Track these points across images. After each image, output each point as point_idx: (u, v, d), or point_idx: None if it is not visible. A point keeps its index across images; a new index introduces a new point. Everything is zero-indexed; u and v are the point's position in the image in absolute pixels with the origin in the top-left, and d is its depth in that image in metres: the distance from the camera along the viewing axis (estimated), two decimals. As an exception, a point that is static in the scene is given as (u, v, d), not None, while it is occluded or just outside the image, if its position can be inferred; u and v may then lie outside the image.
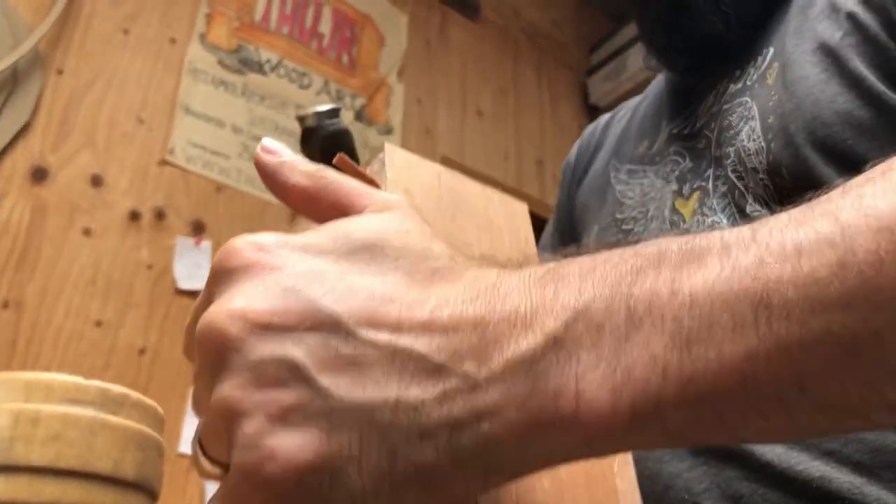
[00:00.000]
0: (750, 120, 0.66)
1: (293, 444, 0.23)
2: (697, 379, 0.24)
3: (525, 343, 0.25)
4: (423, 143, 2.43)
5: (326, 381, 0.24)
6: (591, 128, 0.93)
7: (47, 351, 1.53)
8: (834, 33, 0.62)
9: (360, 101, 2.32)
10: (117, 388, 0.19)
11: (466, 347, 0.25)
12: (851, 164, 0.54)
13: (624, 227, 0.74)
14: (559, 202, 0.89)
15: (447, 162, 2.31)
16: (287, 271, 0.26)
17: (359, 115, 2.32)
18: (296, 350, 0.24)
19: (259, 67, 2.14)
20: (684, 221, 0.65)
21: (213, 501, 0.26)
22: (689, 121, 0.74)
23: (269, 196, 1.97)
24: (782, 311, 0.24)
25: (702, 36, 0.73)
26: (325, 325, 0.25)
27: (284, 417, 0.24)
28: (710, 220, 0.63)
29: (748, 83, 0.69)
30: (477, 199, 0.47)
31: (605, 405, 0.24)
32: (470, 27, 2.68)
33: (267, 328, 0.25)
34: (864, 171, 0.27)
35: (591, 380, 0.24)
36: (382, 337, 0.25)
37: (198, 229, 1.83)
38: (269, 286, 0.26)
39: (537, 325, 0.25)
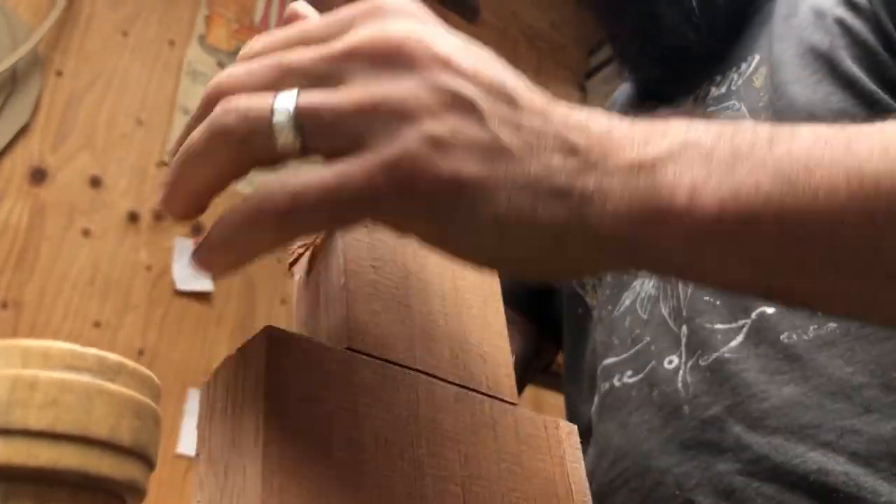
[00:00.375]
0: (740, 119, 0.67)
1: (459, 161, 0.28)
2: (792, 214, 0.29)
3: (647, 151, 0.30)
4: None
5: (495, 127, 0.29)
6: None
7: (46, 351, 1.54)
8: (823, 38, 0.63)
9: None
10: (114, 357, 0.20)
11: (597, 145, 0.30)
12: None
13: None
14: None
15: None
16: (454, 37, 0.31)
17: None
18: (476, 95, 0.29)
19: (258, 69, 2.15)
20: None
21: (293, 179, 0.28)
22: None
23: (267, 198, 1.97)
24: (872, 182, 0.28)
25: (673, 47, 0.73)
26: (500, 91, 0.30)
27: (455, 140, 0.28)
28: None
29: (733, 87, 0.69)
30: None
31: (713, 209, 0.29)
32: (469, 29, 2.68)
33: (448, 64, 0.29)
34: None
35: (703, 187, 0.29)
36: (537, 119, 0.30)
37: (196, 231, 1.83)
38: (444, 34, 0.31)
39: (654, 143, 0.30)
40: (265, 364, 0.33)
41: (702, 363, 0.59)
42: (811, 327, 0.55)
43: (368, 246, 0.41)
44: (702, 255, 0.30)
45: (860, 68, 0.60)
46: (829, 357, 0.54)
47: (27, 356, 0.19)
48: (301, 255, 0.41)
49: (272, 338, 0.34)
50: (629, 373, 0.64)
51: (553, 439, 0.44)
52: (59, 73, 1.76)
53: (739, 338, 0.58)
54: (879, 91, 0.59)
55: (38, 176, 1.66)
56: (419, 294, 0.42)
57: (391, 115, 0.28)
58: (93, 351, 0.19)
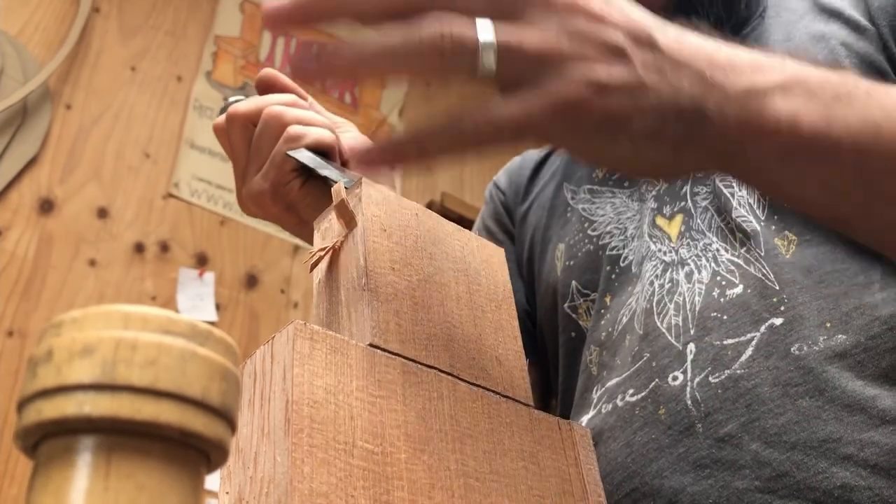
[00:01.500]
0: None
1: (612, 100, 0.36)
2: (869, 152, 0.38)
3: (761, 79, 0.38)
4: (422, 179, 2.46)
5: (640, 71, 0.36)
6: (518, 159, 0.94)
7: (50, 381, 1.54)
8: (828, 58, 0.65)
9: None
10: (203, 325, 0.21)
11: (720, 71, 0.38)
12: None
13: (600, 242, 0.74)
14: (485, 225, 0.87)
15: (447, 198, 2.34)
16: None
17: (360, 152, 2.35)
18: (626, 44, 0.37)
19: (263, 104, 2.18)
20: (671, 241, 0.66)
21: (486, 108, 0.37)
22: None
23: (270, 229, 1.99)
24: None
25: None
26: (642, 37, 0.37)
27: (610, 83, 0.36)
28: (701, 242, 0.63)
29: None
30: (454, 241, 0.47)
31: (807, 134, 0.38)
32: (469, 67, 2.73)
33: (604, 18, 0.37)
34: None
35: (803, 117, 0.38)
36: (673, 57, 0.38)
37: (201, 261, 1.85)
38: None
39: (768, 73, 0.38)
40: (293, 357, 0.34)
41: (713, 380, 0.58)
42: (821, 338, 0.55)
43: (388, 249, 0.42)
44: (789, 170, 0.39)
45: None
46: (841, 368, 0.54)
47: (128, 320, 0.20)
48: (322, 257, 0.42)
49: (299, 332, 0.35)
50: (631, 391, 0.63)
51: (567, 441, 0.45)
52: (69, 107, 1.79)
53: (749, 351, 0.57)
54: None
55: (46, 207, 1.68)
56: (436, 296, 0.43)
57: (565, 60, 0.36)
58: (185, 318, 0.21)
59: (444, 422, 0.38)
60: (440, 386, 0.39)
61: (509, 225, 0.88)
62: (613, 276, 0.71)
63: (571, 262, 0.75)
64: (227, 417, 0.21)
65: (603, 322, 0.71)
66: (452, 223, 0.48)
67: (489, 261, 0.49)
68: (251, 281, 1.93)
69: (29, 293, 1.58)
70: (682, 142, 0.38)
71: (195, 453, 0.21)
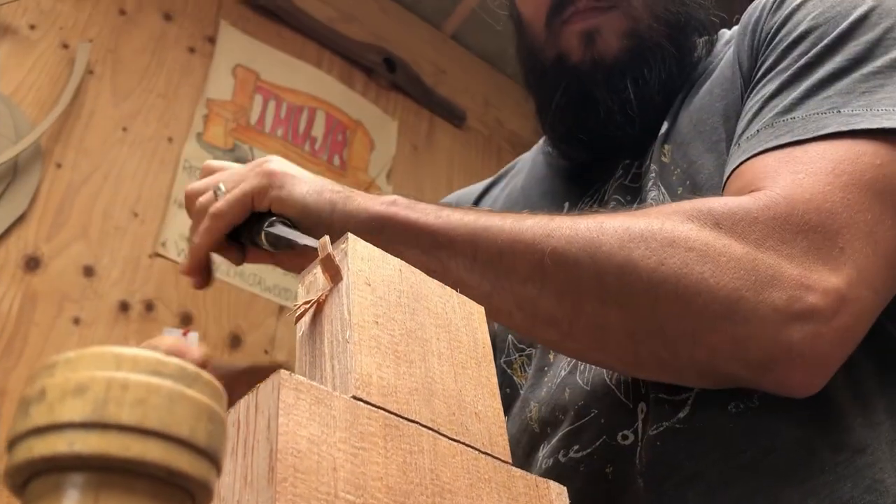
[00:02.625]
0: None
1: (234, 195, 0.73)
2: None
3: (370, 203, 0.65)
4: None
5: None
6: (461, 191, 0.98)
7: (27, 440, 1.52)
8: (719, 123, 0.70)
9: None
10: (192, 367, 0.22)
11: (348, 196, 0.67)
12: None
13: None
14: None
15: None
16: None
17: (347, 215, 2.38)
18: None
19: (252, 166, 2.21)
20: None
21: None
22: (596, 198, 0.78)
23: (256, 289, 1.99)
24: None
25: (603, 133, 0.77)
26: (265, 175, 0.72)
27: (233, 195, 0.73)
28: None
29: (649, 170, 0.73)
30: (436, 298, 0.48)
31: (381, 210, 0.64)
32: (455, 134, 2.78)
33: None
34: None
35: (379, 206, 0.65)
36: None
37: (185, 321, 1.84)
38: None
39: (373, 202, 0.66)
40: (277, 406, 0.35)
41: (652, 432, 0.60)
42: (755, 395, 0.57)
43: (372, 303, 0.43)
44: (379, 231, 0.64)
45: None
46: (779, 421, 0.56)
47: (120, 361, 0.21)
48: (307, 310, 0.43)
49: (284, 382, 0.36)
50: (576, 447, 0.64)
51: (545, 499, 0.45)
52: (59, 165, 1.81)
53: (687, 408, 0.59)
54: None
55: (32, 264, 1.68)
56: (418, 351, 0.44)
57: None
58: (175, 360, 0.22)
59: (425, 475, 0.39)
60: (421, 440, 0.40)
61: None
62: None
63: None
64: (213, 458, 0.22)
65: (545, 378, 0.72)
66: (435, 280, 0.49)
67: (469, 318, 0.50)
68: (235, 341, 1.92)
69: (10, 351, 1.57)
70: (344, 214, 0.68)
71: (181, 493, 0.21)
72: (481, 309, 0.52)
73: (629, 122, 0.74)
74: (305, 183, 0.69)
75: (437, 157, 2.69)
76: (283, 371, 0.36)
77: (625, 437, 0.62)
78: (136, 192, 1.91)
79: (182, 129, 2.08)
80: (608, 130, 0.75)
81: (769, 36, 0.66)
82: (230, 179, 0.72)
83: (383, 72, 2.60)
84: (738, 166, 0.59)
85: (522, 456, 0.70)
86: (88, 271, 1.76)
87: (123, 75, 2.01)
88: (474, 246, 0.58)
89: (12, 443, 0.22)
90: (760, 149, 0.57)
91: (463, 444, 0.42)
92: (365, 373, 0.40)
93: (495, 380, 0.48)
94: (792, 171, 0.54)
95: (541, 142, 0.93)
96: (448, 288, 0.50)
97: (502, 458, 0.44)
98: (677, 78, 0.75)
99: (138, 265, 1.84)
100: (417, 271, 0.48)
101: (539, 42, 0.80)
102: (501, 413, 0.47)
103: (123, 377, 0.21)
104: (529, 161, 0.92)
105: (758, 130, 0.59)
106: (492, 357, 0.49)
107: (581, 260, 0.53)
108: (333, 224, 0.65)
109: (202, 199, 0.73)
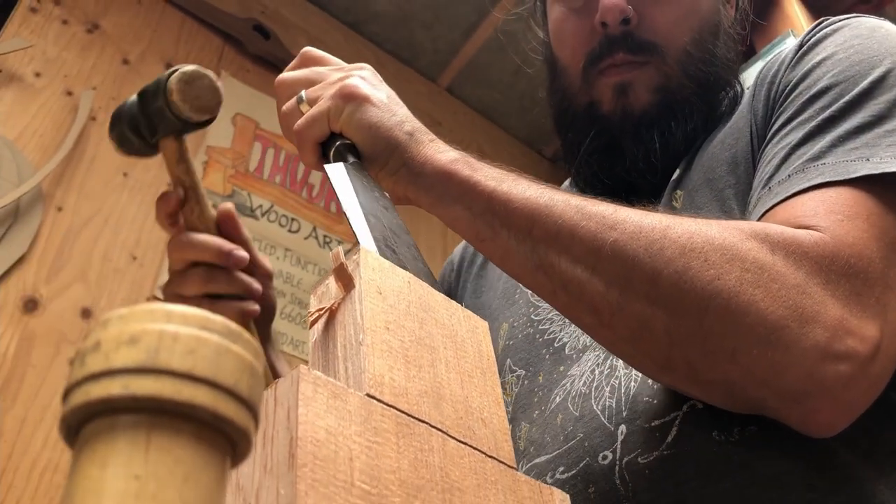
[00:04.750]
0: None
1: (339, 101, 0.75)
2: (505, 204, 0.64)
3: (435, 155, 0.70)
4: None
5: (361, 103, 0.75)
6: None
7: (19, 482, 1.50)
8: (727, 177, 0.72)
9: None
10: (235, 326, 0.24)
11: (417, 140, 0.73)
12: None
13: (540, 326, 0.78)
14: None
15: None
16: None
17: (344, 261, 2.40)
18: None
19: (251, 212, 2.23)
20: None
21: None
22: None
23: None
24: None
25: (626, 179, 0.80)
26: (361, 98, 0.75)
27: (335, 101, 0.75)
28: None
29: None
30: (443, 310, 0.50)
31: (443, 165, 0.70)
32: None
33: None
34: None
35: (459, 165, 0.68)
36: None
37: (182, 364, 1.85)
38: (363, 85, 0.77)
39: (448, 150, 0.71)
40: (297, 398, 0.36)
41: (641, 461, 0.61)
42: (735, 429, 0.58)
43: (383, 310, 0.45)
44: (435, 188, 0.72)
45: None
46: (759, 457, 0.57)
47: (170, 316, 0.23)
48: (321, 315, 0.45)
49: (303, 376, 0.37)
50: (561, 469, 0.65)
51: (550, 504, 0.46)
52: (60, 209, 1.83)
53: (674, 431, 0.60)
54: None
55: (31, 305, 1.69)
56: (427, 357, 0.46)
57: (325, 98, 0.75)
58: (220, 318, 0.24)
59: (435, 473, 0.40)
60: (431, 439, 0.41)
61: (453, 286, 0.98)
62: (548, 357, 0.75)
63: (511, 343, 0.80)
64: (254, 410, 0.24)
65: (536, 400, 0.73)
66: (441, 293, 0.51)
67: (474, 331, 0.52)
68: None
69: (6, 392, 1.57)
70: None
71: (223, 439, 0.23)
72: (485, 324, 0.53)
73: (651, 170, 0.78)
74: (379, 111, 0.72)
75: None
76: (301, 366, 0.38)
77: (604, 458, 0.63)
78: (135, 236, 1.93)
79: (182, 174, 2.11)
80: (631, 177, 0.79)
81: (787, 88, 0.69)
82: (314, 89, 0.76)
83: (380, 122, 2.65)
84: (771, 207, 0.61)
85: None
86: (86, 313, 1.76)
87: (125, 122, 2.04)
88: (532, 221, 0.59)
89: (68, 391, 0.23)
90: (795, 190, 0.60)
91: (470, 446, 0.44)
92: (378, 373, 0.41)
93: (500, 390, 0.50)
94: (831, 211, 0.56)
95: (566, 183, 0.96)
96: (453, 302, 0.52)
97: (508, 463, 0.46)
98: (701, 131, 0.79)
99: (136, 308, 1.85)
100: (425, 284, 0.50)
101: (573, 88, 0.84)
102: (506, 420, 0.48)
103: (174, 329, 0.22)
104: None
105: (789, 175, 0.61)
106: (496, 369, 0.51)
107: (640, 257, 0.54)
108: (389, 163, 0.70)
109: (285, 108, 0.78)
